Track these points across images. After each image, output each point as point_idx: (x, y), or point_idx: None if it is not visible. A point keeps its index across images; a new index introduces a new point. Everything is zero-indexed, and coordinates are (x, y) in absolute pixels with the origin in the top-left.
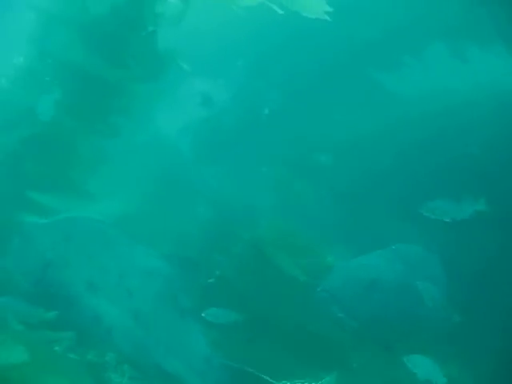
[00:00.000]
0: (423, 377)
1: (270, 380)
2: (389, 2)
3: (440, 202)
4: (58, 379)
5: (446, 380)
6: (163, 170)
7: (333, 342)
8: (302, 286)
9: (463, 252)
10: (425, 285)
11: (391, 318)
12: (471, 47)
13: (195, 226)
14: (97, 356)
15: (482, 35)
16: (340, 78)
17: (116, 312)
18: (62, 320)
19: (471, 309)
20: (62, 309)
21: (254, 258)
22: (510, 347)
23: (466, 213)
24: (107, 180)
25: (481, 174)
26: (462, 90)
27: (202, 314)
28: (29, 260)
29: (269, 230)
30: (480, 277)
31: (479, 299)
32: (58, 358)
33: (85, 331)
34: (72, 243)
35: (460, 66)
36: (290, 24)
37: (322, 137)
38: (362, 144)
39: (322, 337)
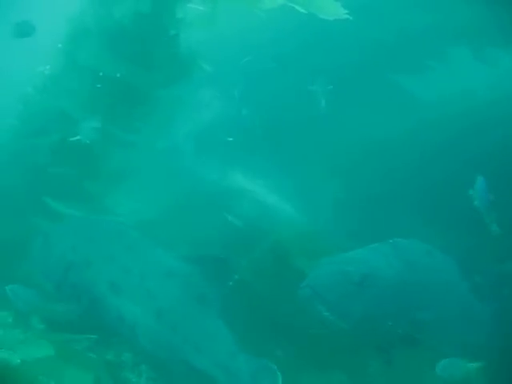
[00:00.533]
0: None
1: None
2: (410, 5)
3: None
4: (81, 374)
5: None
6: (183, 175)
7: (329, 343)
8: None
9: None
10: None
11: (387, 319)
12: (494, 49)
13: (214, 230)
14: (116, 356)
15: (505, 37)
16: (361, 81)
17: (138, 312)
18: (85, 320)
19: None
20: (85, 309)
21: (273, 262)
22: None
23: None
24: (129, 184)
25: (503, 175)
26: (484, 93)
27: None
28: (51, 261)
29: (289, 234)
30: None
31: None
32: (79, 354)
33: (107, 331)
34: (94, 244)
35: (483, 68)
36: (311, 26)
37: (342, 140)
38: (383, 147)
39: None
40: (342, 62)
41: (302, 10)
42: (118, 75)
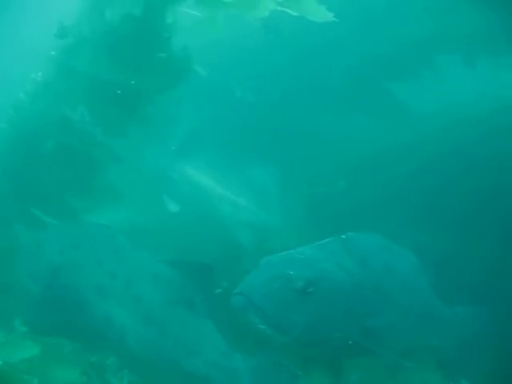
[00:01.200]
0: None
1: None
2: (402, 15)
3: None
4: (66, 372)
5: None
6: (174, 180)
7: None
8: None
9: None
10: None
11: (335, 330)
12: (487, 58)
13: (203, 237)
14: (100, 359)
15: (497, 47)
16: (353, 88)
17: (126, 315)
18: (71, 324)
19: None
20: (71, 312)
21: None
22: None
23: None
24: (117, 187)
25: (500, 187)
26: (478, 103)
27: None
28: (39, 265)
29: (278, 244)
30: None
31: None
32: (64, 355)
33: (93, 335)
34: (81, 249)
35: (476, 77)
36: (302, 35)
37: (334, 151)
38: (376, 159)
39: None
40: (333, 72)
41: (294, 13)
42: (111, 81)
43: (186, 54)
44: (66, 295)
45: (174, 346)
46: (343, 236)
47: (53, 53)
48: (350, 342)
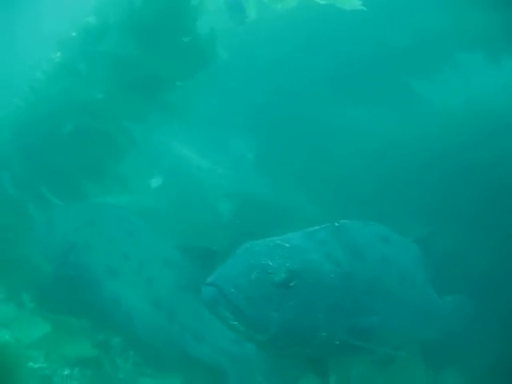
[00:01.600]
0: None
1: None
2: (424, 9)
3: None
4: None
5: None
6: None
7: None
8: None
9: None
10: None
11: (320, 329)
12: (507, 55)
13: (216, 222)
14: (106, 339)
15: None
16: (371, 81)
17: (135, 298)
18: (80, 302)
19: None
20: (82, 291)
21: None
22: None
23: None
24: (135, 170)
25: None
26: (497, 98)
27: None
28: (53, 242)
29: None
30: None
31: None
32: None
33: (101, 314)
34: (95, 228)
35: (495, 73)
36: (325, 26)
37: (352, 142)
38: (394, 151)
39: None
40: (353, 65)
41: (322, 2)
42: (133, 64)
43: (211, 38)
44: (77, 274)
45: (181, 332)
46: (336, 224)
47: (73, 34)
48: (337, 342)
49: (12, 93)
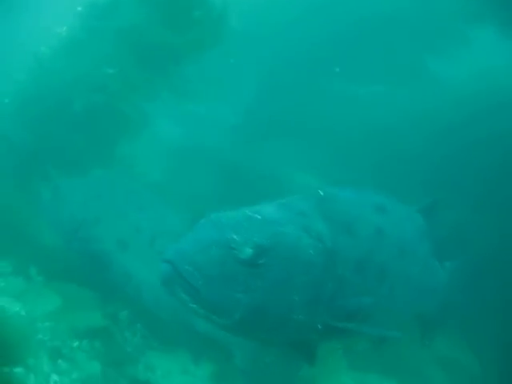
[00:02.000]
0: None
1: None
2: None
3: None
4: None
5: None
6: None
7: None
8: None
9: None
10: None
11: (297, 312)
12: None
13: (228, 196)
14: (115, 311)
15: None
16: (383, 60)
17: (146, 272)
18: (91, 274)
19: None
20: (93, 264)
21: None
22: None
23: None
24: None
25: None
26: (508, 72)
27: None
28: (63, 216)
29: None
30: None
31: None
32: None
33: (111, 287)
34: (107, 201)
35: (507, 46)
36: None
37: (363, 117)
38: (403, 127)
39: None
40: (364, 39)
41: None
42: (143, 39)
43: (223, 11)
44: (88, 246)
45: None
46: (320, 192)
47: (79, 8)
48: (320, 326)
49: (17, 67)
